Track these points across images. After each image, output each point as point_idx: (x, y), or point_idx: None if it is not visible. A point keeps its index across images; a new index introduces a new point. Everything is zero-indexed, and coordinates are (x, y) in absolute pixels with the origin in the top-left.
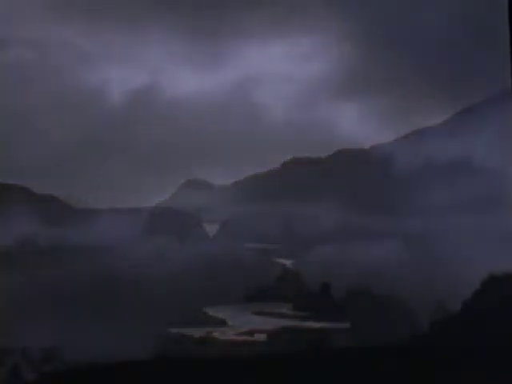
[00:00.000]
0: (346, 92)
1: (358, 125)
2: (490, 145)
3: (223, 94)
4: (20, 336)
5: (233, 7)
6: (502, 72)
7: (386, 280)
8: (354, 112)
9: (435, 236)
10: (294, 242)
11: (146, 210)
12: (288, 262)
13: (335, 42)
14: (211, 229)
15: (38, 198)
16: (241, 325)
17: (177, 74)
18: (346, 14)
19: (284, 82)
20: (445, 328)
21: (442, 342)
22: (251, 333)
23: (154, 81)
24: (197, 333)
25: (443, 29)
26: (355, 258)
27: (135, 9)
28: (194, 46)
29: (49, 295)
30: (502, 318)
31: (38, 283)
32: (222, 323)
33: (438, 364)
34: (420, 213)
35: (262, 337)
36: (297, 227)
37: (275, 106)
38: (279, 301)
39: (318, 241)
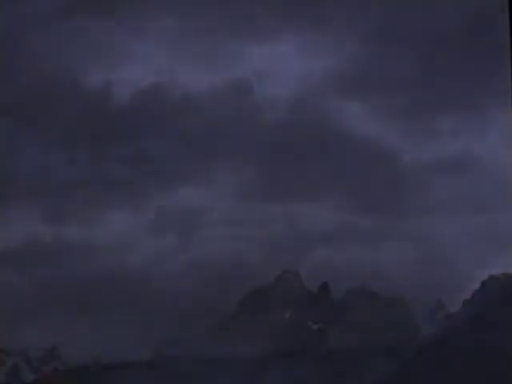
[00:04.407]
0: (350, 90)
1: (361, 123)
2: (492, 144)
3: (228, 93)
4: (20, 336)
5: (237, 5)
6: (503, 71)
7: (386, 280)
8: (359, 110)
9: (436, 236)
10: (294, 242)
11: (147, 210)
12: (288, 262)
13: (343, 40)
14: (212, 228)
15: (40, 196)
16: (240, 324)
17: (182, 73)
18: (355, 12)
19: (289, 80)
20: (445, 328)
21: (441, 341)
22: (251, 332)
23: (158, 80)
24: (196, 332)
25: (448, 28)
26: (355, 258)
27: (138, 6)
28: (200, 44)
29: (49, 295)
30: (501, 318)
31: (38, 283)
32: (222, 323)
33: (437, 364)
34: (421, 213)
35: (262, 336)
36: (297, 227)
37: (280, 103)
38: (279, 301)
39: (318, 241)
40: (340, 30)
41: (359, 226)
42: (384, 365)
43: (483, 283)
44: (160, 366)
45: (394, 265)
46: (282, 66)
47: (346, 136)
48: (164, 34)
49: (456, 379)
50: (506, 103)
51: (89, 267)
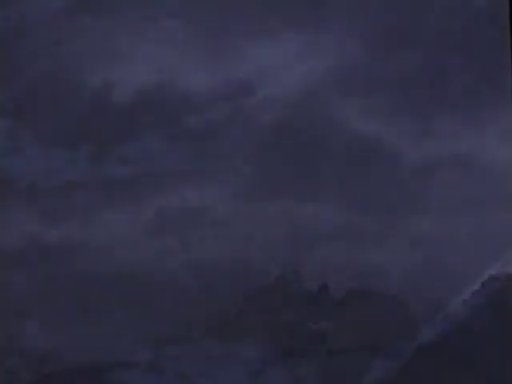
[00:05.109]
0: (351, 89)
1: (362, 123)
2: (492, 144)
3: (228, 93)
4: (19, 336)
5: (238, 5)
6: (504, 71)
7: (386, 280)
8: (360, 110)
9: (436, 236)
10: (294, 242)
11: (147, 210)
12: (288, 262)
13: (343, 40)
14: (212, 228)
15: (40, 196)
16: (240, 324)
17: (182, 73)
18: (355, 12)
19: (289, 80)
20: (445, 328)
21: (441, 341)
22: (251, 332)
23: (158, 80)
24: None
25: (448, 28)
26: (355, 258)
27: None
28: (200, 44)
29: (49, 295)
30: (501, 318)
31: (38, 283)
32: (222, 323)
33: (437, 364)
34: (421, 212)
35: (262, 336)
36: (297, 227)
37: (280, 103)
38: (279, 300)
39: (318, 241)
40: (340, 29)
41: (359, 226)
42: (384, 365)
43: (483, 283)
44: (160, 366)
45: (394, 265)
46: (282, 66)
47: (347, 135)
48: (164, 33)
49: (456, 379)
50: (506, 103)
51: (88, 267)
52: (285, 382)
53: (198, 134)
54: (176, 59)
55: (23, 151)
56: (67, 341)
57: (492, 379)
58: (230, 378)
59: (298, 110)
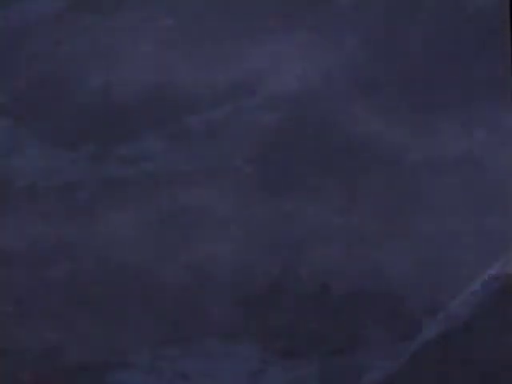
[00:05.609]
0: (352, 89)
1: (362, 123)
2: (492, 144)
3: (228, 92)
4: (19, 336)
5: (238, 5)
6: (504, 71)
7: (386, 280)
8: (360, 110)
9: (436, 236)
10: (294, 242)
11: (147, 210)
12: (288, 262)
13: (343, 39)
14: (212, 228)
15: (40, 196)
16: (240, 324)
17: (182, 73)
18: (355, 11)
19: (289, 79)
20: (445, 328)
21: (441, 341)
22: (251, 332)
23: (158, 80)
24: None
25: (448, 28)
26: (355, 258)
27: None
28: (201, 44)
29: (49, 295)
30: (501, 319)
31: (37, 283)
32: (222, 323)
33: (437, 364)
34: (421, 212)
35: (262, 336)
36: (297, 227)
37: (280, 103)
38: (279, 300)
39: (318, 241)
40: (341, 29)
41: (359, 226)
42: (384, 365)
43: (483, 283)
44: (160, 366)
45: (394, 265)
46: (282, 66)
47: (347, 135)
48: (164, 33)
49: (456, 379)
50: (506, 103)
51: (88, 267)
52: (285, 381)
53: (198, 134)
54: (176, 59)
55: (23, 151)
56: (67, 340)
57: (492, 380)
58: (230, 378)
59: (298, 110)
